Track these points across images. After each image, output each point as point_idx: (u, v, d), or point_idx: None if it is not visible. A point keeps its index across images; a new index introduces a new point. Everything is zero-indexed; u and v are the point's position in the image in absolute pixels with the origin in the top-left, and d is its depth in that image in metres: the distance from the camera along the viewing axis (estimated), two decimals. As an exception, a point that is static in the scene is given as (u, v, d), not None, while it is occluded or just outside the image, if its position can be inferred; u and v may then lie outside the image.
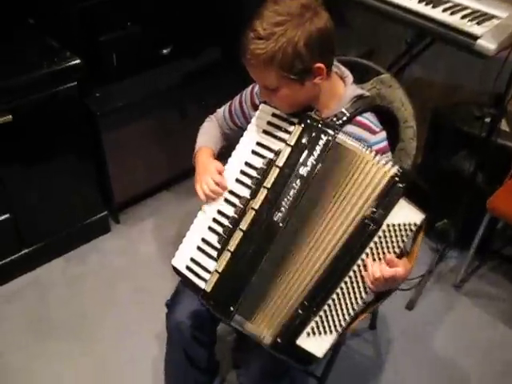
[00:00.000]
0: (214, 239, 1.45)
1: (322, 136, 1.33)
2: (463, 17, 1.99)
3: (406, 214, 1.25)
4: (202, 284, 1.44)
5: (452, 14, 2.00)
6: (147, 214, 2.72)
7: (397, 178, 1.25)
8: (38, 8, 2.31)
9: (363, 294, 1.28)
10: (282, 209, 1.34)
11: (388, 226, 1.26)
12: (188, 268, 1.48)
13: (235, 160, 1.48)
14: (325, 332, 1.33)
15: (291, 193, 1.34)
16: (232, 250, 1.39)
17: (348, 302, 1.29)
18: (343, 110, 1.42)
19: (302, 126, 1.36)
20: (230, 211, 1.43)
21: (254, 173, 1.42)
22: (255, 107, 1.53)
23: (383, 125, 1.47)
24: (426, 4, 2.06)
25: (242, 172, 1.45)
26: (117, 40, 2.26)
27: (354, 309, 1.30)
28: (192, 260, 1.47)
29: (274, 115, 1.44)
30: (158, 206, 2.77)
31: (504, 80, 2.14)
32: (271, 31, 1.25)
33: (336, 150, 1.32)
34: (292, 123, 1.39)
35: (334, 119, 1.41)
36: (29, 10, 2.31)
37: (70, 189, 2.38)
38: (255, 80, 1.42)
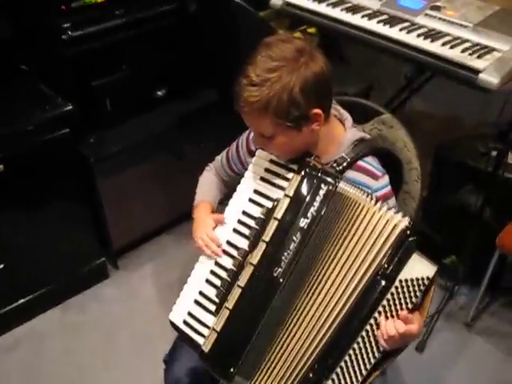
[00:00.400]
0: (211, 292, 1.38)
1: (322, 185, 1.27)
2: (463, 50, 1.94)
3: (418, 268, 1.18)
4: (200, 340, 1.37)
5: (452, 47, 1.96)
6: (147, 259, 2.64)
7: (408, 232, 1.19)
8: (30, 54, 2.28)
9: (376, 353, 1.20)
10: (282, 264, 1.27)
11: (401, 281, 1.19)
12: (185, 323, 1.41)
13: (232, 209, 1.42)
14: None
15: (291, 246, 1.27)
16: (230, 307, 1.31)
17: (361, 362, 1.21)
18: (343, 155, 1.36)
19: (301, 174, 1.29)
20: (228, 263, 1.37)
21: (252, 222, 1.36)
22: (251, 153, 1.47)
23: (386, 168, 1.41)
24: (425, 38, 2.03)
25: (240, 222, 1.39)
26: (110, 84, 2.23)
27: (366, 369, 1.22)
28: (189, 314, 1.41)
29: (271, 161, 1.38)
30: (157, 250, 2.70)
31: (508, 112, 2.11)
32: (265, 77, 1.20)
33: (337, 199, 1.25)
34: (291, 170, 1.34)
35: (334, 165, 1.35)
36: (21, 57, 2.29)
37: (65, 236, 2.32)
38: (250, 127, 1.37)
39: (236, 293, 1.31)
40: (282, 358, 1.28)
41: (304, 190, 1.29)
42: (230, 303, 1.32)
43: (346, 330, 1.22)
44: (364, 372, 1.22)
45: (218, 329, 1.32)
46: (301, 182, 1.29)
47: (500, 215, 2.16)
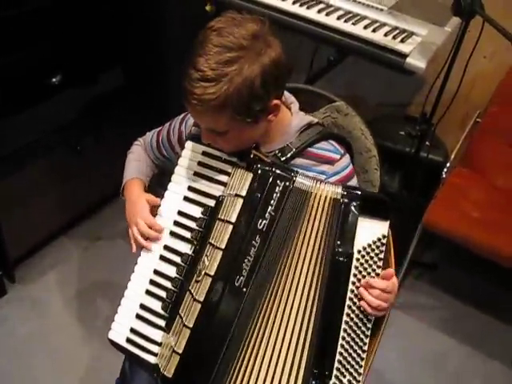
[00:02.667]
0: (155, 305, 1.25)
1: (278, 182, 1.17)
2: (386, 34, 1.96)
3: (370, 230, 1.17)
4: (149, 358, 1.24)
5: (374, 31, 1.97)
6: (47, 267, 2.36)
7: (345, 200, 1.16)
8: None
9: (366, 331, 1.16)
10: (243, 272, 1.16)
11: (359, 251, 1.16)
12: (129, 341, 1.27)
13: (166, 209, 1.29)
14: None
15: (251, 252, 1.16)
16: (191, 325, 1.18)
17: (358, 344, 1.16)
18: (288, 144, 1.26)
19: (252, 171, 1.19)
20: (169, 271, 1.25)
21: (192, 224, 1.24)
22: (181, 141, 1.35)
23: None
24: (346, 21, 2.01)
25: (177, 223, 1.26)
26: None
27: (363, 350, 1.17)
28: (133, 331, 1.27)
29: (204, 154, 1.26)
30: (57, 255, 2.41)
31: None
32: (222, 71, 1.06)
33: (295, 195, 1.17)
34: (229, 163, 1.23)
35: (279, 155, 1.25)
36: None
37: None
38: (199, 124, 1.23)
39: (195, 309, 1.18)
40: (266, 369, 1.16)
41: (258, 188, 1.18)
42: (190, 321, 1.18)
43: (328, 323, 1.16)
44: (364, 350, 1.17)
45: (180, 351, 1.18)
46: (253, 179, 1.18)
47: (418, 195, 2.24)
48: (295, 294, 1.17)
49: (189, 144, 1.28)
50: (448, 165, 2.18)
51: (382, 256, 1.17)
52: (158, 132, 1.45)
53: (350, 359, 1.16)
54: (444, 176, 2.17)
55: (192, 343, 1.18)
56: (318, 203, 1.17)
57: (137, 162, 1.45)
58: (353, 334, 1.16)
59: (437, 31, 2.04)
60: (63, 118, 2.20)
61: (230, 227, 1.18)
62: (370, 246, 1.16)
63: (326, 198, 1.16)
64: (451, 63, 1.88)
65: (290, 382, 1.16)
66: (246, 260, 1.16)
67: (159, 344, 1.23)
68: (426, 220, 2.07)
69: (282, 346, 1.16)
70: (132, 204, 1.34)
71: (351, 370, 1.16)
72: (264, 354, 1.16)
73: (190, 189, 1.26)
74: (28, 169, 2.15)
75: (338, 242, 1.16)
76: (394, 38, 1.95)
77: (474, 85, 2.34)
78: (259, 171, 1.18)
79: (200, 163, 1.26)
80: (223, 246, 1.18)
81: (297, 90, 1.61)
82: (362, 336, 1.17)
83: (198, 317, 1.18)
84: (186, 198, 1.26)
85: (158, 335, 1.24)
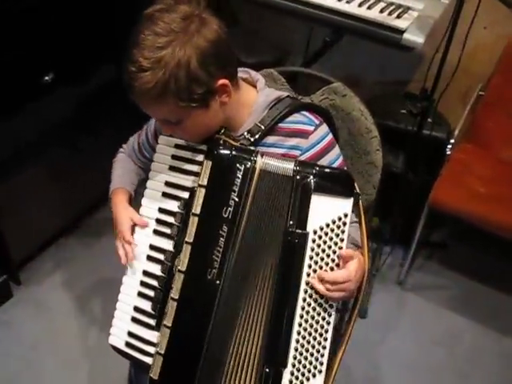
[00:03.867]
0: (147, 306, 1.22)
1: (238, 165, 1.12)
2: (381, 10, 1.91)
3: (329, 208, 1.11)
4: (148, 360, 1.21)
5: (369, 8, 1.92)
6: (52, 267, 2.33)
7: (298, 176, 1.10)
8: None
9: (327, 317, 1.12)
10: (215, 263, 1.12)
11: (315, 231, 1.10)
12: (128, 344, 1.24)
13: (147, 208, 1.25)
14: (307, 379, 1.13)
15: (220, 242, 1.12)
16: (169, 324, 1.15)
17: (317, 333, 1.12)
18: (257, 123, 1.21)
19: (211, 157, 1.14)
20: (156, 270, 1.22)
21: (172, 219, 1.21)
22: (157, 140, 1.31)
23: None
24: (339, 0, 1.96)
25: (159, 221, 1.23)
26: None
27: (326, 338, 1.12)
28: (130, 334, 1.24)
29: (177, 146, 1.22)
30: (61, 255, 2.39)
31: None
32: (155, 58, 1.02)
33: (259, 177, 1.12)
34: (200, 151, 1.19)
35: (248, 136, 1.20)
36: None
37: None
38: (152, 116, 1.20)
39: (172, 307, 1.16)
40: (240, 362, 1.14)
41: (219, 175, 1.14)
42: (168, 320, 1.16)
43: (280, 308, 1.11)
44: (327, 341, 1.12)
45: (163, 351, 1.16)
46: (213, 166, 1.14)
47: (422, 173, 2.20)
48: (260, 281, 1.13)
49: (161, 139, 1.25)
50: (452, 141, 2.13)
51: (343, 236, 1.11)
52: (138, 135, 1.42)
53: (309, 347, 1.12)
54: (448, 153, 2.13)
55: (172, 343, 1.16)
56: (281, 182, 1.11)
57: (121, 169, 1.42)
58: (311, 321, 1.11)
59: (434, 4, 1.99)
60: (58, 117, 2.15)
61: (196, 219, 1.15)
62: (328, 225, 1.11)
63: (283, 176, 1.11)
64: (450, 36, 1.83)
65: (249, 366, 1.13)
66: (215, 251, 1.13)
67: (155, 345, 1.20)
68: (432, 199, 2.03)
69: (246, 337, 1.13)
70: (116, 217, 1.31)
71: (311, 359, 1.12)
72: (236, 343, 1.14)
73: (167, 184, 1.23)
74: (26, 170, 2.10)
75: (291, 222, 1.10)
76: (390, 13, 1.90)
77: (474, 57, 2.27)
78: (216, 157, 1.14)
79: (174, 156, 1.22)
80: (191, 240, 1.15)
81: (292, 74, 1.58)
82: (322, 322, 1.12)
83: (175, 315, 1.15)
84: (164, 194, 1.23)
85: (153, 336, 1.21)
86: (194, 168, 1.19)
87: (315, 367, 1.12)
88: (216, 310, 1.13)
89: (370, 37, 1.90)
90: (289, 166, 1.11)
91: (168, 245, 1.21)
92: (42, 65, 2.07)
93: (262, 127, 1.20)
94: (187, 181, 1.20)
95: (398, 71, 2.49)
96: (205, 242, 1.14)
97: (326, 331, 1.12)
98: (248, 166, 1.12)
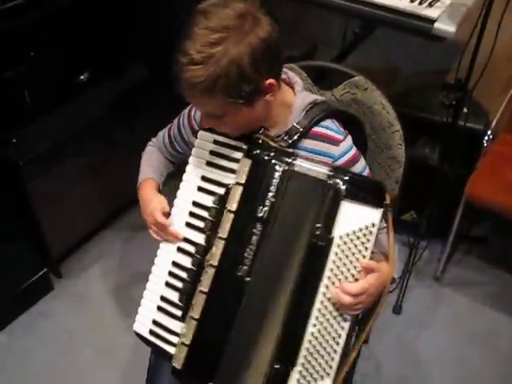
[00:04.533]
0: (174, 296, 1.25)
1: (277, 167, 1.14)
2: (411, 0, 1.86)
3: (357, 216, 1.10)
4: (171, 349, 1.23)
5: (399, -2, 1.87)
6: (91, 261, 2.40)
7: (330, 181, 1.10)
8: None
9: (344, 320, 1.11)
10: (246, 261, 1.14)
11: (341, 237, 1.10)
12: (152, 332, 1.27)
13: (181, 201, 1.27)
14: (314, 380, 1.13)
15: (252, 240, 1.14)
16: (197, 316, 1.18)
17: (329, 338, 1.11)
18: (295, 124, 1.21)
19: (252, 156, 1.16)
20: (186, 261, 1.23)
21: (205, 213, 1.22)
22: (194, 133, 1.31)
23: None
24: (370, -10, 1.92)
25: (192, 214, 1.25)
26: (26, 74, 1.91)
27: (338, 342, 1.11)
28: (155, 323, 1.27)
29: (216, 142, 1.24)
30: (100, 249, 2.45)
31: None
32: (208, 53, 1.03)
33: (296, 180, 1.13)
34: (238, 149, 1.20)
35: (286, 137, 1.21)
36: None
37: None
38: (197, 108, 1.23)
39: (200, 300, 1.18)
40: (257, 354, 1.15)
41: (257, 174, 1.15)
42: (196, 312, 1.18)
43: (297, 308, 1.12)
44: (337, 348, 1.11)
45: (188, 342, 1.19)
46: (252, 165, 1.16)
47: (459, 166, 2.13)
48: (280, 281, 1.14)
49: (200, 134, 1.26)
50: (489, 132, 2.05)
51: (368, 245, 1.10)
52: (168, 129, 1.44)
53: (320, 349, 1.12)
54: (485, 145, 2.05)
55: (197, 334, 1.19)
56: (316, 185, 1.12)
57: (150, 161, 1.45)
58: (326, 323, 1.12)
59: (467, -9, 1.92)
60: (94, 114, 2.20)
61: (231, 216, 1.17)
62: (354, 233, 1.10)
63: (318, 179, 1.12)
64: (484, 22, 1.75)
65: (261, 367, 1.14)
66: (247, 249, 1.15)
67: (179, 335, 1.23)
68: (468, 192, 1.97)
69: (264, 334, 1.14)
70: (144, 204, 1.35)
71: (321, 361, 1.12)
72: (260, 340, 1.15)
73: (204, 178, 1.25)
74: (65, 165, 2.17)
75: (318, 225, 1.11)
76: (421, 3, 1.84)
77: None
78: (257, 156, 1.16)
79: (212, 152, 1.24)
80: (225, 236, 1.17)
81: (312, 68, 1.56)
82: (336, 327, 1.12)
83: (204, 308, 1.18)
84: (199, 188, 1.25)
85: (177, 326, 1.23)
86: (232, 165, 1.20)
87: (324, 370, 1.13)
88: (242, 306, 1.15)
89: (401, 27, 1.85)
90: (322, 170, 1.12)
91: (199, 238, 1.23)
92: (78, 65, 2.14)
93: (300, 129, 1.21)
94: (224, 177, 1.21)
95: (435, 61, 2.41)
96: (238, 239, 1.16)
97: (339, 336, 1.12)
98: (286, 168, 1.14)
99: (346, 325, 1.12)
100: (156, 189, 1.38)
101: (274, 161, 1.15)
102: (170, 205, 1.30)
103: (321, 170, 1.13)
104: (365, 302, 1.12)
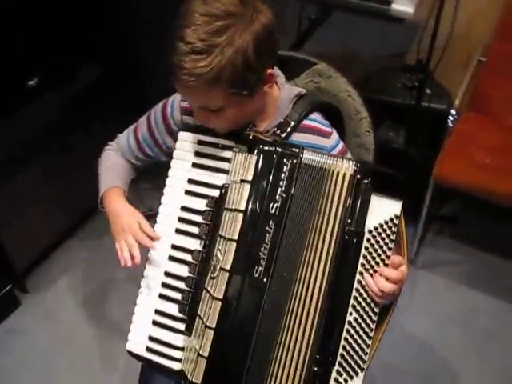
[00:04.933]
0: (171, 308, 1.17)
1: (285, 160, 1.08)
2: (368, -18, 1.83)
3: (382, 210, 1.07)
4: (173, 365, 1.16)
5: (354, -20, 1.84)
6: (57, 273, 2.31)
7: (358, 176, 1.06)
8: None
9: (373, 316, 1.08)
10: (261, 261, 1.08)
11: (371, 231, 1.07)
12: (149, 349, 1.19)
13: (167, 206, 1.20)
14: (351, 377, 1.09)
15: (266, 239, 1.08)
16: (213, 326, 1.10)
17: (362, 332, 1.08)
18: (285, 117, 1.18)
19: (255, 153, 1.09)
20: (181, 271, 1.16)
21: (197, 218, 1.16)
22: (172, 134, 1.25)
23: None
24: (323, -26, 1.88)
25: (182, 220, 1.18)
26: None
27: (369, 336, 1.09)
28: (151, 339, 1.19)
29: (200, 143, 1.17)
30: (66, 259, 2.36)
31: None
32: (212, 42, 0.97)
33: (306, 172, 1.08)
34: (228, 148, 1.14)
35: (278, 132, 1.17)
36: None
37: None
38: (190, 102, 1.14)
39: (215, 307, 1.10)
40: (287, 358, 1.09)
41: (264, 170, 1.09)
42: (212, 321, 1.10)
43: (334, 307, 1.07)
44: (369, 340, 1.09)
45: (206, 354, 1.10)
46: (257, 162, 1.09)
47: (425, 148, 2.12)
48: (310, 279, 1.08)
49: (182, 134, 1.19)
50: (453, 112, 2.04)
51: (393, 238, 1.08)
52: (134, 131, 1.34)
53: (355, 345, 1.08)
54: (450, 124, 2.04)
55: (217, 344, 1.10)
56: (336, 180, 1.07)
57: (112, 167, 1.35)
58: (359, 319, 1.08)
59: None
60: (47, 120, 2.12)
61: (241, 216, 1.09)
62: (381, 226, 1.07)
63: (344, 174, 1.07)
64: (441, 3, 1.74)
65: (295, 370, 1.08)
66: (262, 248, 1.08)
67: (181, 349, 1.16)
68: (436, 173, 1.96)
69: (293, 335, 1.08)
70: (117, 216, 1.24)
71: (356, 358, 1.08)
72: (286, 341, 1.09)
73: (191, 181, 1.18)
74: (21, 176, 2.08)
75: (349, 221, 1.07)
76: (377, -16, 1.82)
77: (471, 23, 2.17)
78: (262, 152, 1.09)
79: (197, 153, 1.18)
80: (236, 237, 1.09)
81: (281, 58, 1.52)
82: (368, 321, 1.08)
83: (220, 315, 1.09)
84: (187, 192, 1.18)
85: (179, 340, 1.17)
86: (222, 165, 1.15)
87: (359, 365, 1.09)
88: (263, 308, 1.08)
89: (358, 10, 1.82)
90: (351, 165, 1.07)
91: (194, 244, 1.16)
92: (26, 69, 2.04)
93: (292, 122, 1.17)
94: (214, 178, 1.16)
95: (394, 44, 2.39)
96: (251, 238, 1.09)
97: (371, 330, 1.09)
98: (295, 161, 1.08)
99: (376, 318, 1.09)
100: (124, 198, 1.29)
101: (281, 155, 1.08)
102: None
103: (349, 165, 1.07)
104: (396, 292, 1.09)
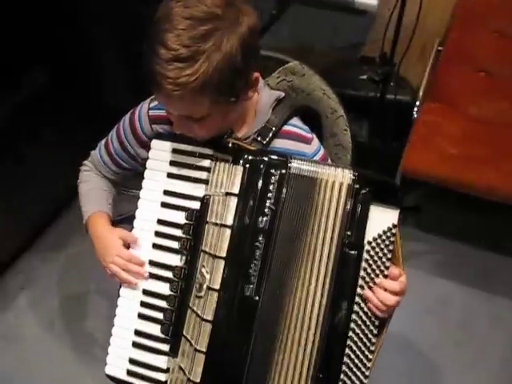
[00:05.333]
0: (153, 329, 1.11)
1: (273, 171, 1.02)
2: (329, -25, 1.80)
3: (380, 219, 1.04)
4: None
5: (315, -27, 1.80)
6: (15, 291, 2.16)
7: (356, 185, 1.02)
8: None
9: (374, 330, 1.06)
10: (252, 278, 1.02)
11: (370, 242, 1.04)
12: (130, 373, 1.13)
13: (143, 220, 1.14)
14: None
15: (256, 255, 1.02)
16: (204, 349, 1.04)
17: (366, 344, 1.06)
18: (265, 124, 1.13)
19: (242, 164, 1.03)
20: (160, 288, 1.11)
21: (176, 232, 1.10)
22: (144, 145, 1.18)
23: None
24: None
25: (158, 234, 1.12)
26: None
27: (373, 343, 1.06)
28: (132, 362, 1.13)
29: (175, 152, 1.11)
30: (24, 276, 2.21)
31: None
32: (198, 48, 0.91)
33: (294, 183, 1.03)
34: (206, 156, 1.09)
35: (259, 138, 1.12)
36: None
37: None
38: (172, 111, 1.05)
39: (204, 330, 1.04)
40: (287, 374, 1.05)
41: (251, 182, 1.03)
42: (201, 344, 1.04)
43: (335, 323, 1.04)
44: (372, 351, 1.06)
45: (198, 380, 1.04)
46: (244, 173, 1.03)
47: (392, 140, 2.11)
48: (307, 294, 1.04)
49: (155, 143, 1.13)
50: (417, 103, 2.04)
51: (391, 248, 1.05)
52: (105, 145, 1.27)
53: (357, 361, 1.05)
54: (415, 116, 2.04)
55: (210, 369, 1.05)
56: (332, 190, 1.02)
57: (92, 190, 1.28)
58: (361, 334, 1.05)
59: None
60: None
61: (228, 231, 1.03)
62: (380, 236, 1.04)
63: (340, 183, 1.02)
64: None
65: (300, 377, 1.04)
66: (252, 265, 1.02)
67: (165, 370, 1.10)
68: (404, 166, 1.95)
69: (292, 355, 1.04)
70: (101, 241, 1.19)
71: (358, 373, 1.05)
72: (284, 357, 1.04)
73: (167, 193, 1.12)
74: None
75: (349, 233, 1.03)
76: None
77: (427, 13, 2.17)
78: (248, 163, 1.03)
79: (172, 163, 1.11)
80: (224, 255, 1.03)
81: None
82: (370, 336, 1.06)
83: (211, 338, 1.04)
84: (163, 204, 1.12)
85: (162, 361, 1.11)
86: (200, 174, 1.09)
87: (361, 381, 1.06)
88: (256, 328, 1.03)
89: (321, 4, 1.79)
90: (348, 174, 1.02)
91: (174, 260, 1.10)
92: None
93: (273, 128, 1.12)
94: (192, 189, 1.10)
95: (349, 36, 2.37)
96: (240, 255, 1.03)
97: (373, 344, 1.06)
98: (283, 171, 1.02)
99: (376, 331, 1.06)
100: (108, 221, 1.22)
101: (267, 165, 1.02)
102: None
103: (346, 174, 1.02)
104: (395, 304, 1.06)
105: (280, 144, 1.14)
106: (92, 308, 2.08)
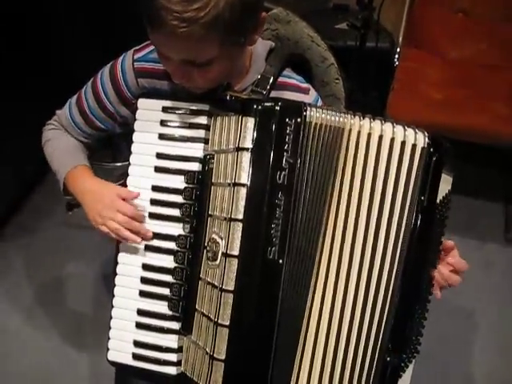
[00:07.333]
0: (156, 306, 1.02)
1: (287, 120, 0.90)
2: None
3: (442, 184, 0.96)
4: (169, 370, 1.02)
5: None
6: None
7: (431, 149, 0.91)
8: None
9: (428, 301, 0.99)
10: (275, 240, 0.91)
11: (437, 207, 0.96)
12: (136, 356, 1.04)
13: (135, 189, 1.03)
14: (410, 363, 0.99)
15: (277, 214, 0.91)
16: (227, 323, 0.93)
17: (424, 316, 0.99)
18: (263, 73, 1.03)
19: (253, 115, 0.91)
20: (163, 261, 1.01)
21: (176, 197, 1.00)
22: (126, 103, 1.08)
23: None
24: None
25: (155, 202, 1.02)
26: None
27: (424, 326, 0.99)
28: (137, 344, 1.04)
29: (166, 110, 1.00)
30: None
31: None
32: None
33: (314, 133, 0.91)
34: (202, 113, 0.98)
35: (257, 89, 1.01)
36: None
37: None
38: (172, 55, 0.92)
39: (226, 301, 0.93)
40: (330, 349, 0.95)
41: (264, 133, 0.91)
42: (224, 318, 0.93)
43: (408, 292, 0.93)
44: (426, 318, 0.99)
45: (222, 356, 0.94)
46: (256, 124, 0.91)
47: (372, 91, 2.04)
48: (363, 256, 0.92)
49: (142, 102, 1.03)
50: (398, 50, 1.96)
51: (447, 215, 0.98)
52: (77, 104, 1.13)
53: (415, 331, 0.98)
54: (397, 63, 1.96)
55: (235, 343, 0.94)
56: (387, 147, 0.91)
57: (65, 148, 1.14)
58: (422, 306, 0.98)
59: None
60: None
61: (243, 190, 0.92)
62: (441, 202, 0.95)
63: (403, 142, 0.91)
64: None
65: (361, 360, 0.94)
66: (273, 225, 0.91)
67: (176, 350, 1.02)
68: (390, 114, 1.88)
69: (347, 321, 0.94)
70: (93, 195, 1.06)
71: (415, 342, 0.98)
72: (328, 332, 0.94)
73: (160, 156, 1.02)
74: None
75: (422, 198, 0.92)
76: None
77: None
78: (261, 113, 0.91)
79: (163, 122, 1.01)
80: (241, 216, 0.92)
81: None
82: (428, 307, 0.98)
83: (234, 310, 0.93)
84: (157, 169, 1.02)
85: (172, 340, 1.02)
86: (198, 133, 0.99)
87: (416, 350, 0.99)
88: (282, 294, 0.92)
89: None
90: (420, 139, 0.91)
91: (176, 229, 1.01)
92: None
93: (272, 79, 1.02)
94: (189, 149, 1.01)
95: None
96: (258, 216, 0.92)
97: (425, 318, 0.98)
98: (299, 120, 0.90)
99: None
100: (92, 174, 1.10)
101: (280, 114, 0.91)
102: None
103: (420, 139, 0.91)
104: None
105: (275, 94, 1.04)
106: (71, 292, 1.98)
